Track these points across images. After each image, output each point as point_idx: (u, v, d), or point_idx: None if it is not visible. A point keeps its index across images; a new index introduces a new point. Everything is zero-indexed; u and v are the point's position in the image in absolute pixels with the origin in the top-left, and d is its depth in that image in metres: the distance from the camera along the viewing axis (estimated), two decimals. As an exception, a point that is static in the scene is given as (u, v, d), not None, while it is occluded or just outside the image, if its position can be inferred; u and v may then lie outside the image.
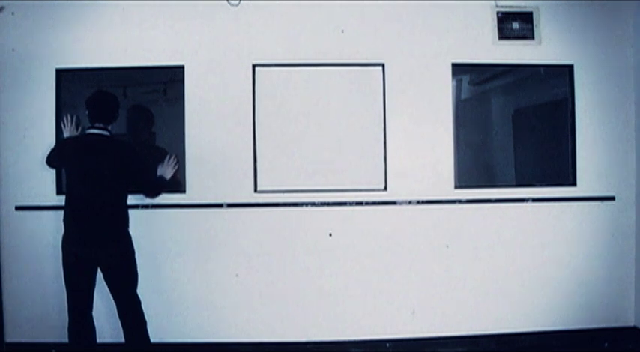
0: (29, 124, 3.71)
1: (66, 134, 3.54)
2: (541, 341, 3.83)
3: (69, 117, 3.56)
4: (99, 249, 3.15)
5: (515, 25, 3.85)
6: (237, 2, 3.76)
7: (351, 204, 3.77)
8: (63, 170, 3.47)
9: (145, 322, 3.27)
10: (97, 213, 3.15)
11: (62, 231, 3.23)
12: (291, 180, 3.78)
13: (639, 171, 3.87)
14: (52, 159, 3.42)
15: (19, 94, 3.72)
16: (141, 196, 3.57)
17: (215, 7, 3.75)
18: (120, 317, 3.25)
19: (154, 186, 3.44)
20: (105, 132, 3.24)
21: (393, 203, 3.79)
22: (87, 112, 3.27)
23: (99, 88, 3.37)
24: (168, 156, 3.56)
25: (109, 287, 3.24)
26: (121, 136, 3.68)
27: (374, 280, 3.79)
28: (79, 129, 3.56)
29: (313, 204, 3.77)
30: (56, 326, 3.54)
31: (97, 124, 3.23)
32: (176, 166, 3.58)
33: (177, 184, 3.71)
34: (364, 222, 3.78)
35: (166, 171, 3.51)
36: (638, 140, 3.89)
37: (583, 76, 3.88)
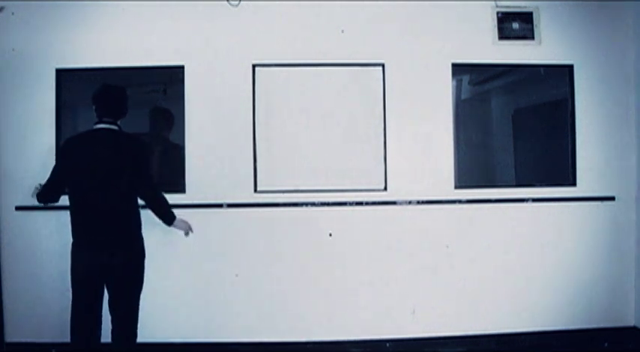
0: (29, 124, 3.71)
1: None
2: (541, 341, 3.83)
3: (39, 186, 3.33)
4: (113, 254, 2.99)
5: (515, 25, 3.85)
6: (237, 2, 3.76)
7: (351, 204, 3.77)
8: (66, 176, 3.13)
9: (136, 335, 3.15)
10: (111, 212, 3.00)
11: (66, 236, 3.13)
12: (291, 180, 3.78)
13: (639, 171, 3.87)
14: (49, 185, 3.15)
15: (19, 94, 3.72)
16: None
17: (215, 7, 3.75)
18: (112, 320, 3.12)
19: (162, 201, 3.24)
20: (114, 127, 3.07)
21: (393, 203, 3.79)
22: (94, 107, 3.10)
23: (105, 83, 3.21)
24: (190, 229, 3.40)
25: (111, 293, 3.10)
26: (141, 135, 3.62)
27: (374, 280, 3.79)
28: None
29: (313, 204, 3.77)
30: (56, 326, 3.54)
31: (104, 119, 3.06)
32: (188, 230, 3.40)
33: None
34: (364, 222, 3.78)
35: (181, 224, 3.33)
36: (638, 140, 3.89)
37: (583, 76, 3.88)
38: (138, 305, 3.17)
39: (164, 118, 3.93)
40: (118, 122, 3.13)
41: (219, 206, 3.74)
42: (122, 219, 3.06)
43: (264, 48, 3.77)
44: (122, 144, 3.07)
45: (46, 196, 3.21)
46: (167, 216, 3.27)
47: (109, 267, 3.01)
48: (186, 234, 3.40)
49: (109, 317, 3.14)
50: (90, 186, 3.00)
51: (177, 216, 3.30)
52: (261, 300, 3.77)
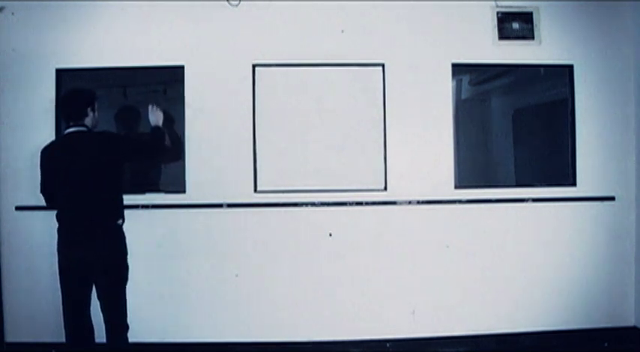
0: (29, 124, 3.71)
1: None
2: (541, 341, 3.83)
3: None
4: (92, 251, 3.06)
5: (515, 25, 3.85)
6: (237, 2, 3.76)
7: (351, 204, 3.77)
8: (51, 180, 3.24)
9: (127, 327, 3.17)
10: (90, 212, 3.07)
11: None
12: (291, 180, 3.78)
13: (639, 171, 3.87)
14: (44, 186, 3.23)
15: (19, 94, 3.72)
16: (140, 196, 3.60)
17: (215, 7, 3.75)
18: (103, 317, 3.16)
19: (156, 139, 3.35)
20: (82, 129, 3.15)
21: (393, 203, 3.79)
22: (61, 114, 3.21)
23: (70, 88, 3.31)
24: (149, 107, 3.45)
25: (97, 290, 3.15)
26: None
27: (374, 280, 3.79)
28: None
29: (313, 204, 3.77)
30: (56, 326, 3.52)
31: (71, 123, 3.16)
32: (159, 110, 3.46)
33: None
34: (364, 222, 3.78)
35: (156, 118, 3.42)
36: (638, 140, 3.89)
37: (583, 76, 3.88)
38: (124, 298, 3.19)
39: (131, 116, 3.89)
40: (87, 122, 3.18)
41: (219, 206, 3.74)
42: (101, 217, 3.11)
43: (264, 48, 3.77)
44: (93, 144, 3.13)
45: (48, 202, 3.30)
46: (163, 138, 3.36)
47: (89, 264, 3.07)
48: (158, 109, 3.45)
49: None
50: (69, 190, 3.09)
51: (157, 129, 3.38)
52: (261, 300, 3.77)
